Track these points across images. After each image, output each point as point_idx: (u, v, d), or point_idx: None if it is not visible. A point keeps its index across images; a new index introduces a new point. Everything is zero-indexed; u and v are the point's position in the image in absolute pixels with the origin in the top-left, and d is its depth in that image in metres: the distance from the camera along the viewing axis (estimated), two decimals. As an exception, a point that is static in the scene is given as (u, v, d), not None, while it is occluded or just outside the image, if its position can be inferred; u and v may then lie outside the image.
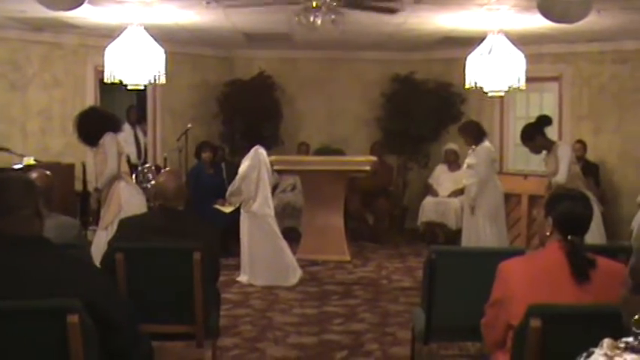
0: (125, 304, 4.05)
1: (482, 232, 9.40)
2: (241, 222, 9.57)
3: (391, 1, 8.40)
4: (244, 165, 9.57)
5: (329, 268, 10.33)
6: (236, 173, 9.75)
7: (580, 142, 11.82)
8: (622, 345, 2.08)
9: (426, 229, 12.38)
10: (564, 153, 8.44)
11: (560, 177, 8.26)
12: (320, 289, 9.21)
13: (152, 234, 5.25)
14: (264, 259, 9.41)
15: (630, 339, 2.10)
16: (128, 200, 8.06)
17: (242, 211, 9.57)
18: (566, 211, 3.67)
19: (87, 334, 3.01)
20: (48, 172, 5.68)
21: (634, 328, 2.16)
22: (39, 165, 9.14)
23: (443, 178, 12.54)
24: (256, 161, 9.51)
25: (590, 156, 11.94)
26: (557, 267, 3.55)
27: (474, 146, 9.62)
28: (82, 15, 9.26)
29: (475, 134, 9.72)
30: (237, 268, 9.63)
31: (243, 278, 9.49)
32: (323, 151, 12.98)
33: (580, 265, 3.53)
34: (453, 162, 12.39)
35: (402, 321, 7.57)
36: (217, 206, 10.96)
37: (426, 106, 13.08)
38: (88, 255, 5.44)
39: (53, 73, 11.63)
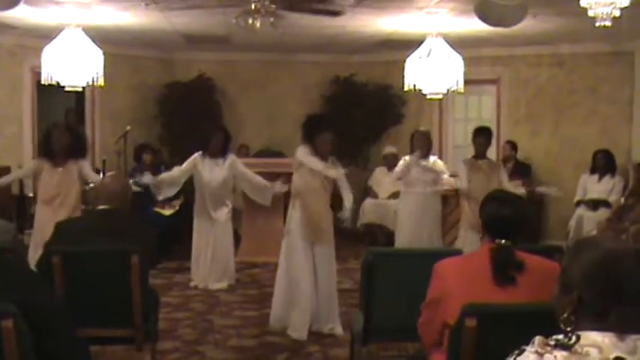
0: (60, 307, 4.01)
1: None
2: (206, 229, 9.45)
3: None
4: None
5: (269, 270, 10.26)
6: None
7: (510, 142, 11.99)
8: (552, 342, 2.12)
9: (366, 231, 12.43)
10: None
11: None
12: (260, 292, 9.19)
13: (89, 236, 5.19)
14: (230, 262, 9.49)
15: (560, 336, 2.14)
16: None
17: (199, 217, 9.49)
18: (491, 214, 3.71)
19: (21, 339, 2.97)
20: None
21: (562, 327, 2.20)
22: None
23: (382, 180, 12.59)
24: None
25: (528, 158, 12.11)
26: (486, 268, 3.59)
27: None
28: (18, 15, 9.16)
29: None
30: (177, 270, 9.57)
31: (218, 285, 9.35)
32: (263, 153, 12.99)
33: (501, 269, 3.56)
34: (393, 165, 12.39)
35: (342, 322, 7.58)
36: (157, 209, 10.90)
37: (366, 108, 13.15)
38: (23, 258, 5.39)
39: (-12, 74, 11.47)
